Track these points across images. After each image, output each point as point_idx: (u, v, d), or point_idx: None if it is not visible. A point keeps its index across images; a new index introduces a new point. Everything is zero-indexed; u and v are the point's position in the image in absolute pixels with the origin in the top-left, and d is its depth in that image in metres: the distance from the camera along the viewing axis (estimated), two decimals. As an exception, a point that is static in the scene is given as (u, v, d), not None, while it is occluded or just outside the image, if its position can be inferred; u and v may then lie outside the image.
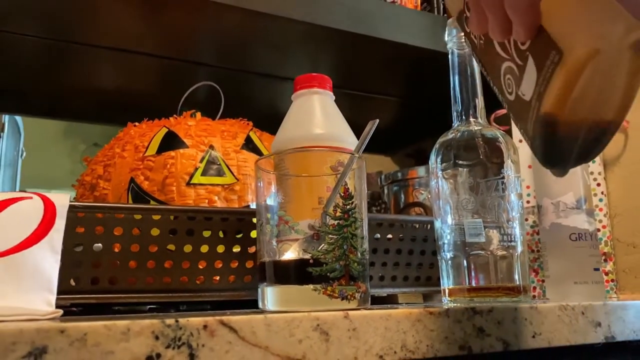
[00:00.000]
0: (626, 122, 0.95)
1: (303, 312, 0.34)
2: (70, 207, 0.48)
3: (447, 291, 0.56)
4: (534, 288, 0.91)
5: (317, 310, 0.36)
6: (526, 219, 0.93)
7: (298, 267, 0.38)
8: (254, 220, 0.50)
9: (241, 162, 0.67)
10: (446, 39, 0.62)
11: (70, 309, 0.50)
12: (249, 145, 0.71)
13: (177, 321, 0.30)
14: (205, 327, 0.31)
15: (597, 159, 0.93)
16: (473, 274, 0.55)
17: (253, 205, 0.67)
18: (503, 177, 0.55)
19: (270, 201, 0.42)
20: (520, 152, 0.97)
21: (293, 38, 0.88)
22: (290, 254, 0.40)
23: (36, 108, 1.11)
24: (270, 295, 0.39)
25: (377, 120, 0.47)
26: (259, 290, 0.41)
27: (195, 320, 0.31)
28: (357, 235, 0.39)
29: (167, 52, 0.93)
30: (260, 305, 0.40)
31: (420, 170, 0.98)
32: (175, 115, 0.73)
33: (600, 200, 0.91)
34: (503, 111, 1.03)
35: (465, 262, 0.55)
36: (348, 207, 0.39)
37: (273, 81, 1.06)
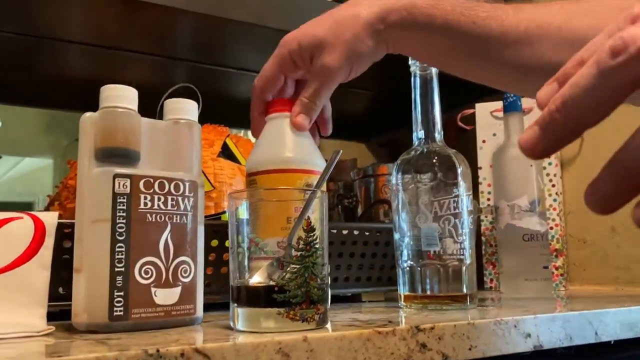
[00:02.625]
0: (582, 126, 1.01)
1: (267, 338, 0.39)
2: (59, 224, 0.53)
3: (402, 297, 0.63)
4: (491, 280, 0.98)
5: (281, 331, 0.42)
6: (486, 216, 0.99)
7: (264, 292, 0.43)
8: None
9: (217, 170, 0.72)
10: (410, 62, 0.66)
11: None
12: (226, 152, 0.75)
13: (158, 350, 0.36)
14: (182, 354, 0.36)
15: (554, 160, 1.00)
16: (427, 282, 0.61)
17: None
18: (456, 196, 0.61)
19: (241, 226, 0.47)
20: (484, 152, 1.03)
21: (271, 42, 0.92)
22: (257, 277, 0.45)
23: (15, 97, 1.13)
24: (240, 316, 0.44)
25: (340, 151, 0.52)
26: (231, 309, 0.46)
27: (173, 349, 0.36)
28: (318, 263, 0.45)
29: (147, 49, 0.96)
30: (231, 323, 0.46)
31: (390, 167, 1.04)
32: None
33: (555, 200, 0.98)
34: (470, 111, 1.08)
35: (419, 271, 0.61)
36: (310, 239, 0.44)
37: (251, 76, 1.09)
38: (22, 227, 0.51)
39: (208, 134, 0.75)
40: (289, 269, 0.43)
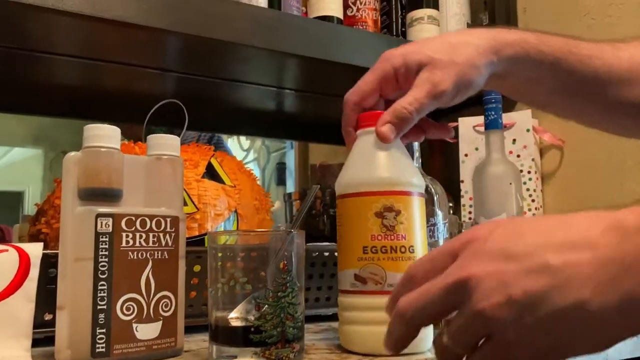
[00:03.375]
0: (562, 142, 1.03)
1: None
2: (44, 255, 0.54)
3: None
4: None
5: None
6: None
7: (242, 332, 0.45)
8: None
9: (202, 192, 0.73)
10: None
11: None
12: (210, 172, 0.76)
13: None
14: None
15: (534, 175, 1.02)
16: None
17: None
18: (432, 225, 0.63)
19: (221, 267, 0.48)
20: (466, 166, 1.05)
21: (256, 58, 0.93)
22: (235, 313, 0.47)
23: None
24: (218, 355, 0.46)
25: (319, 186, 0.53)
26: (209, 345, 0.48)
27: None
28: (294, 302, 0.46)
29: (134, 61, 0.96)
30: None
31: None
32: (139, 143, 0.78)
33: (534, 215, 1.00)
34: (453, 124, 1.10)
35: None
36: (286, 280, 0.46)
37: (239, 86, 1.10)
38: (6, 260, 0.52)
39: (193, 155, 0.77)
40: (264, 309, 0.45)
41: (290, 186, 1.65)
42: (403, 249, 0.50)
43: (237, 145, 2.17)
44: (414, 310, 0.34)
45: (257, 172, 2.34)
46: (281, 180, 1.55)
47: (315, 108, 1.29)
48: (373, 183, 0.51)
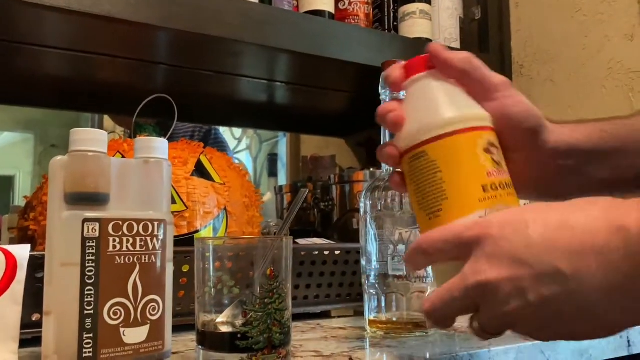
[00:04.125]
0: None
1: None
2: (31, 257, 0.54)
3: (368, 321, 0.65)
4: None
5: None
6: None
7: (228, 338, 0.45)
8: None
9: (191, 190, 0.73)
10: (380, 91, 0.67)
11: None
12: (200, 170, 0.76)
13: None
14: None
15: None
16: (393, 307, 0.64)
17: (202, 231, 0.73)
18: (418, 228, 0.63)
19: (207, 270, 0.48)
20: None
21: (246, 52, 0.92)
22: (222, 318, 0.47)
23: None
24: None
25: (307, 190, 0.53)
26: (196, 349, 0.48)
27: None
28: (281, 309, 0.47)
29: (124, 54, 0.95)
30: (196, 365, 0.48)
31: (366, 174, 1.05)
32: (127, 140, 0.77)
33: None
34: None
35: (384, 299, 0.64)
36: (273, 286, 0.46)
37: (229, 78, 1.09)
38: (-7, 262, 0.52)
39: (182, 152, 0.76)
40: (251, 315, 0.45)
41: (282, 178, 1.65)
42: (512, 185, 0.45)
43: (229, 133, 2.17)
44: (440, 310, 0.40)
45: (248, 162, 2.34)
46: (273, 172, 1.55)
47: (307, 100, 1.29)
48: (471, 118, 0.45)
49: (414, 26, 1.04)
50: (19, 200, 2.75)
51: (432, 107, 0.46)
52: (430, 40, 1.06)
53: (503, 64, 1.16)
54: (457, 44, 1.12)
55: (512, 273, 0.36)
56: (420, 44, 1.04)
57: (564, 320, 0.36)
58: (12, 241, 1.02)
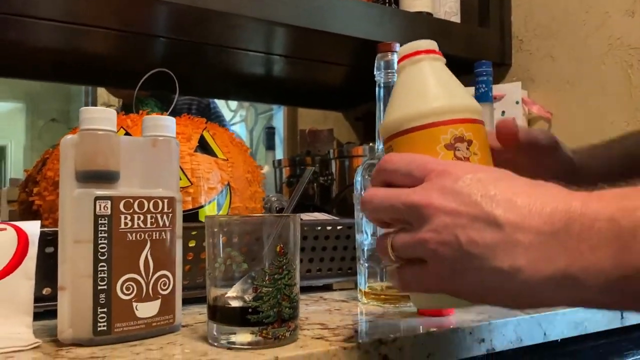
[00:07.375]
0: (550, 114, 1.05)
1: (240, 358, 0.43)
2: (41, 233, 0.55)
3: (362, 292, 0.67)
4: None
5: (254, 348, 0.46)
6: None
7: (240, 312, 0.47)
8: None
9: (195, 166, 0.73)
10: (375, 72, 0.68)
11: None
12: (203, 146, 0.77)
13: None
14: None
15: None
16: (385, 280, 0.66)
17: (207, 206, 0.74)
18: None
19: (217, 245, 0.49)
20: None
21: (247, 27, 0.91)
22: (232, 292, 0.49)
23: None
24: (216, 332, 0.48)
25: (313, 169, 0.54)
26: (207, 323, 0.49)
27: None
28: (290, 284, 0.48)
29: (122, 27, 0.94)
30: (209, 339, 0.49)
31: (365, 149, 1.06)
32: (131, 115, 0.77)
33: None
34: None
35: (379, 271, 0.65)
36: (282, 262, 0.47)
37: (230, 51, 1.09)
38: (5, 239, 0.53)
39: (185, 127, 0.76)
40: (261, 291, 0.46)
41: (279, 152, 1.65)
42: None
43: (224, 105, 2.16)
44: (377, 204, 0.41)
45: (244, 134, 2.33)
46: (270, 145, 1.55)
47: (306, 73, 1.29)
48: (436, 113, 0.44)
49: (414, 0, 1.03)
50: (12, 171, 2.73)
51: (399, 102, 0.47)
52: (431, 15, 1.06)
53: (503, 39, 1.16)
54: (457, 18, 1.11)
55: (456, 208, 0.36)
56: (420, 18, 1.04)
57: (480, 275, 0.35)
58: (13, 214, 1.03)
